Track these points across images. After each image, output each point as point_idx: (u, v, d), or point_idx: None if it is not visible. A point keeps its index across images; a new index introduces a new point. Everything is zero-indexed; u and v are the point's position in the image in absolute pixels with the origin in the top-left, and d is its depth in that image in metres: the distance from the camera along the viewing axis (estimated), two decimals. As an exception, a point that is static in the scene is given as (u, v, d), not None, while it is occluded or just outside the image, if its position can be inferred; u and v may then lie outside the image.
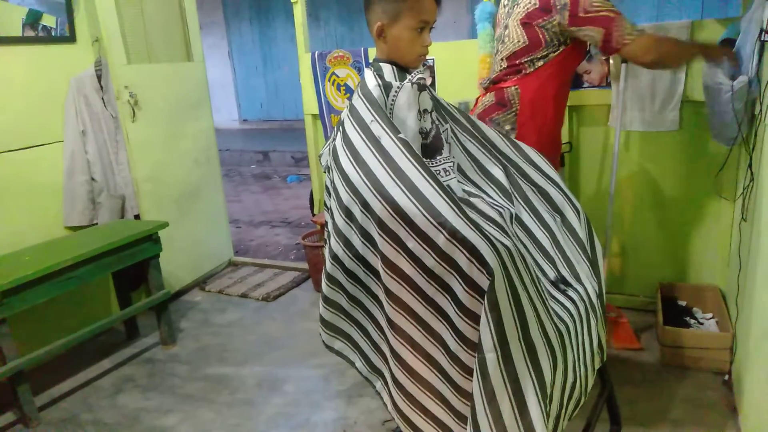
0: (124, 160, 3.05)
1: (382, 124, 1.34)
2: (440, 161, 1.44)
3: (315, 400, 2.32)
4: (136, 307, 2.76)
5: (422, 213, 1.23)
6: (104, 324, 2.57)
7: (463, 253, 1.20)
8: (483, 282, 1.19)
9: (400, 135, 1.31)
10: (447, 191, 1.24)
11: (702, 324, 2.47)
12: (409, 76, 1.42)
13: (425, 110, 1.40)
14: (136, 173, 3.06)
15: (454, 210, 1.20)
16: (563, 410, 1.36)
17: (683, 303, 2.63)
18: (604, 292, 1.57)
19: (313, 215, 3.62)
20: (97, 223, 2.98)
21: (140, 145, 3.07)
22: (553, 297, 1.41)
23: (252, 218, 5.33)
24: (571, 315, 1.40)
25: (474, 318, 1.22)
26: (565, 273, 1.48)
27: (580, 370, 1.41)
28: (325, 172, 1.59)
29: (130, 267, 2.69)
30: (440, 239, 1.22)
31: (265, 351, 2.75)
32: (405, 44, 1.43)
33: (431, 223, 1.22)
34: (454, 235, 1.20)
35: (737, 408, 2.03)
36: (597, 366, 1.56)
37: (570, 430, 1.78)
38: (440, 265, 1.24)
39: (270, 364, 2.62)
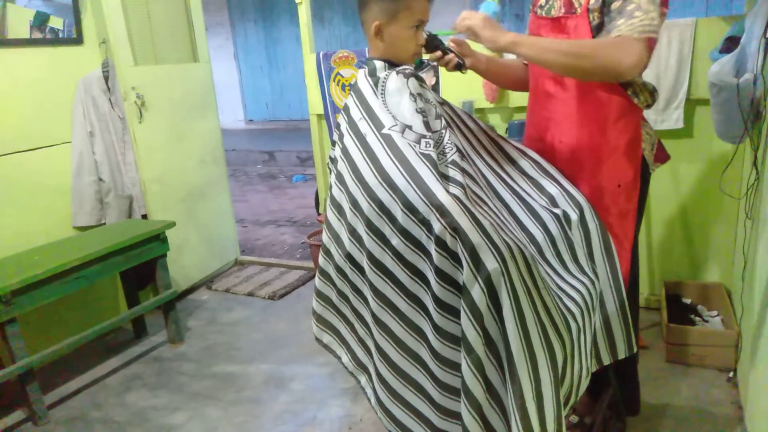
0: (132, 160, 3.07)
1: (369, 122, 1.36)
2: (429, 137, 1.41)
3: (321, 398, 2.34)
4: (144, 306, 2.78)
5: (403, 212, 1.25)
6: (112, 323, 2.60)
7: (437, 250, 1.22)
8: (455, 273, 1.21)
9: (384, 131, 1.33)
10: (425, 187, 1.23)
11: (707, 322, 2.47)
12: (396, 68, 1.43)
13: (419, 94, 1.40)
14: (143, 173, 3.09)
15: (430, 208, 1.22)
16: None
17: (688, 301, 2.63)
18: (611, 287, 1.52)
19: (319, 214, 3.64)
20: (105, 223, 3.00)
21: (147, 145, 3.10)
22: (550, 296, 1.38)
23: (258, 218, 5.35)
24: (573, 315, 1.39)
25: (448, 309, 1.25)
26: (562, 270, 1.45)
27: (572, 371, 1.40)
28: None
29: (137, 266, 2.71)
30: (423, 237, 1.25)
31: (271, 349, 2.77)
32: (402, 43, 1.44)
33: (412, 220, 1.24)
34: (430, 230, 1.22)
35: (743, 406, 2.03)
36: (593, 368, 1.53)
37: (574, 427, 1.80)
38: (422, 259, 1.27)
39: (276, 362, 2.64)
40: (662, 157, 1.73)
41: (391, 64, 1.45)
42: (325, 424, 2.17)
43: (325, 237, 1.55)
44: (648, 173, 1.66)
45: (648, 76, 2.48)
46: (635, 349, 1.58)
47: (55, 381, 2.59)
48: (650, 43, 1.35)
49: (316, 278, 1.62)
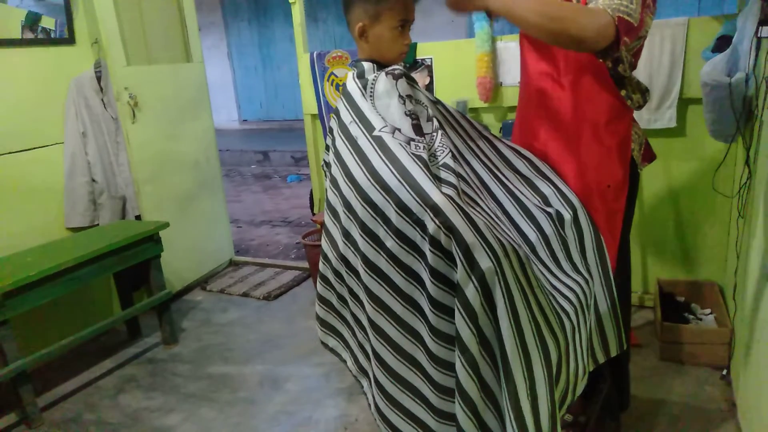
0: (125, 161, 3.06)
1: (360, 125, 1.36)
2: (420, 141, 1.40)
3: (316, 398, 2.34)
4: (138, 307, 2.77)
5: (397, 213, 1.25)
6: (106, 324, 2.59)
7: (432, 250, 1.22)
8: (449, 273, 1.21)
9: (375, 133, 1.32)
10: (418, 187, 1.23)
11: (700, 320, 2.49)
12: (385, 69, 1.42)
13: (408, 96, 1.39)
14: (136, 174, 3.07)
15: (423, 208, 1.21)
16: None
17: (681, 299, 2.64)
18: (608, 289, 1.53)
19: (313, 214, 3.63)
20: (98, 224, 2.99)
21: (140, 146, 3.08)
22: (545, 296, 1.39)
23: (252, 218, 5.34)
24: (566, 312, 1.39)
25: (443, 309, 1.24)
26: (555, 269, 1.45)
27: (568, 370, 1.40)
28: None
29: (131, 267, 2.70)
30: (417, 238, 1.24)
31: (266, 350, 2.76)
32: (386, 43, 1.43)
33: (406, 221, 1.24)
34: (424, 230, 1.22)
35: (736, 403, 2.04)
36: (590, 367, 1.53)
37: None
38: (417, 260, 1.27)
39: (271, 363, 2.63)
40: (649, 156, 1.74)
41: (380, 65, 1.44)
42: (321, 425, 2.17)
43: (324, 242, 1.54)
44: (636, 173, 1.67)
45: (641, 75, 2.50)
46: (625, 347, 1.60)
47: (49, 383, 2.58)
48: (620, 24, 1.31)
49: (318, 282, 1.62)
